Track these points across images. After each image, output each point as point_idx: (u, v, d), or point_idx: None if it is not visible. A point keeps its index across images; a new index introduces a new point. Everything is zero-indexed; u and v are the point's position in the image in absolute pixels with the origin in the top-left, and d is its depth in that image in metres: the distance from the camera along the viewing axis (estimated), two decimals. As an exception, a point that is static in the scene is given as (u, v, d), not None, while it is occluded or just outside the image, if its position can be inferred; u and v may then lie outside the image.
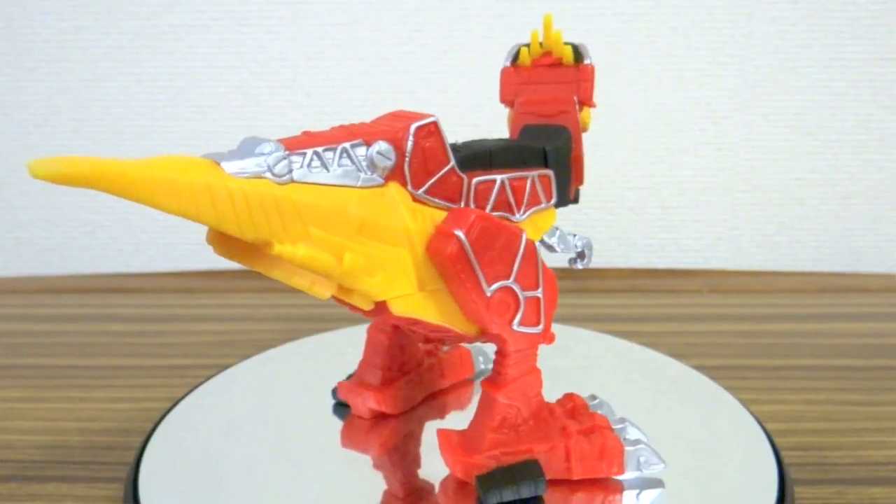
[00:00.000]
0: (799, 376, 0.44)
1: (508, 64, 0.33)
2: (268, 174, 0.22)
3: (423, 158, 0.25)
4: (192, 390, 0.38)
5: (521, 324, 0.27)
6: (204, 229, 0.23)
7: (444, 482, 0.30)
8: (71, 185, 0.18)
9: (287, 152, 0.22)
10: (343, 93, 0.67)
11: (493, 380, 0.29)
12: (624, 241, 0.69)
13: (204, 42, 0.67)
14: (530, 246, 0.27)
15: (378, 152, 0.24)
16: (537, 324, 0.28)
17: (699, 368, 0.40)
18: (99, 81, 0.68)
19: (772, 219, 0.69)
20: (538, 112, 0.33)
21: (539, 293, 0.28)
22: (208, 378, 0.40)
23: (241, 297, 0.61)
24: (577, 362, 0.41)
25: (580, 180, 0.34)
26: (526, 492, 0.28)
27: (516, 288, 0.27)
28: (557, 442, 0.29)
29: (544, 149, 0.30)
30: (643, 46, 0.66)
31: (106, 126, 0.68)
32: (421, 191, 0.25)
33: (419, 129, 0.25)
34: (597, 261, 0.69)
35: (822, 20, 0.65)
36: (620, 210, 0.69)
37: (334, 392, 0.36)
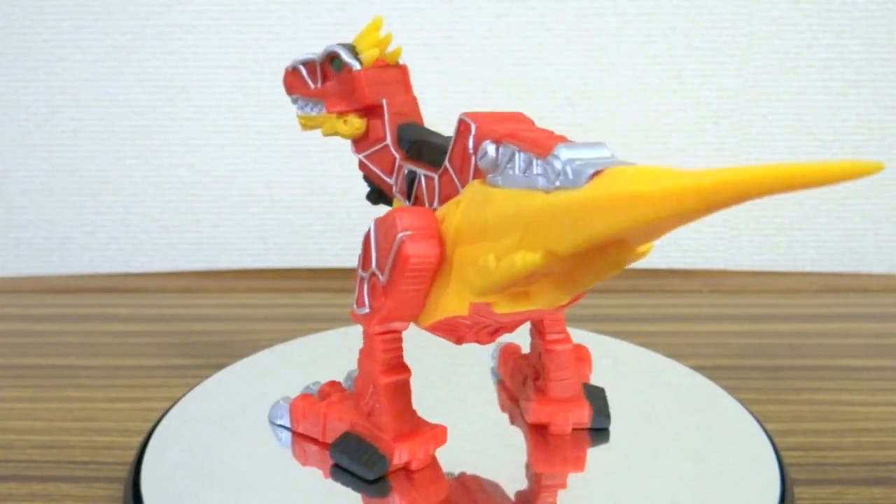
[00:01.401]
0: (799, 376, 0.44)
1: (358, 66, 0.33)
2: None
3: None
4: (191, 390, 0.38)
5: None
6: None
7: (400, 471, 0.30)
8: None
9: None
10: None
11: None
12: (624, 241, 0.69)
13: (204, 42, 0.67)
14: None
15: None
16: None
17: (699, 369, 0.40)
18: (99, 81, 0.68)
19: (772, 219, 0.69)
20: (401, 112, 0.34)
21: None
22: (208, 378, 0.40)
23: (240, 297, 0.61)
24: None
25: None
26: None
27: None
28: None
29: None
30: (643, 46, 0.66)
31: (106, 126, 0.68)
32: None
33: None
34: (597, 261, 0.69)
35: (822, 20, 0.65)
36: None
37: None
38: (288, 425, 0.34)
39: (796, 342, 0.49)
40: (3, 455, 0.36)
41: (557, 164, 0.21)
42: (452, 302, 0.26)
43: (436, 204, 0.29)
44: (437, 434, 0.30)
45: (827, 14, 0.65)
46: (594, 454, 0.32)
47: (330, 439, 0.31)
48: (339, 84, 0.34)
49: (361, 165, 0.35)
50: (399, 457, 0.29)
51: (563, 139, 0.23)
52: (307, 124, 0.36)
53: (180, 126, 0.68)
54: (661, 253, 0.69)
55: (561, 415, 0.33)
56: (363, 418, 0.31)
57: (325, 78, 0.34)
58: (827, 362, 0.46)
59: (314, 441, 0.33)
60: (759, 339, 0.50)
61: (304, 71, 0.35)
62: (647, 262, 0.69)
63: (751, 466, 0.31)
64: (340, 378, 0.35)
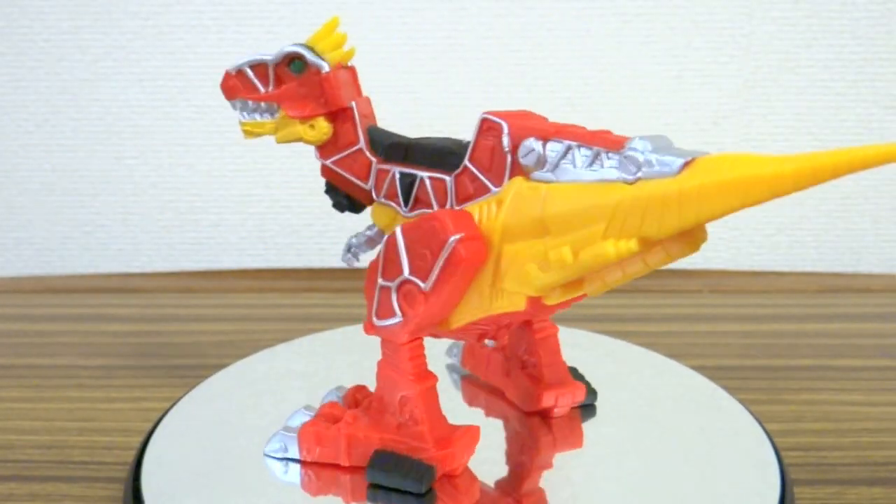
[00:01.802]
0: (799, 376, 0.44)
1: (327, 67, 0.32)
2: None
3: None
4: (191, 390, 0.38)
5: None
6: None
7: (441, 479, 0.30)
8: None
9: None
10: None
11: None
12: (624, 241, 0.69)
13: (204, 42, 0.67)
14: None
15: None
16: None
17: (699, 369, 0.40)
18: (99, 81, 0.68)
19: (772, 219, 0.69)
20: (365, 114, 0.34)
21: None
22: (208, 378, 0.40)
23: (240, 297, 0.61)
24: (576, 364, 0.41)
25: None
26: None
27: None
28: None
29: (461, 155, 0.29)
30: (643, 46, 0.66)
31: (106, 126, 0.68)
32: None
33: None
34: (597, 261, 0.69)
35: (822, 20, 0.65)
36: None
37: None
38: (296, 457, 0.31)
39: (796, 342, 0.49)
40: (3, 455, 0.36)
41: (639, 156, 0.22)
42: (505, 300, 0.26)
43: (450, 205, 0.29)
44: (473, 435, 0.30)
45: (827, 14, 0.65)
46: (594, 454, 0.32)
47: (357, 462, 0.30)
48: (300, 87, 0.32)
49: (327, 172, 0.34)
50: (446, 464, 0.29)
51: (608, 133, 0.24)
52: (254, 131, 0.34)
53: (180, 126, 0.68)
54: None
55: (563, 397, 0.34)
56: (392, 432, 0.29)
57: (279, 81, 0.33)
58: (827, 362, 0.46)
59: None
60: (759, 339, 0.50)
61: (251, 74, 0.33)
62: (647, 262, 0.69)
63: (751, 466, 0.31)
64: (341, 377, 0.35)
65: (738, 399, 0.36)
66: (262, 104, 0.33)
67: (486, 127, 0.27)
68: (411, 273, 0.27)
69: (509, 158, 0.26)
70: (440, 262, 0.26)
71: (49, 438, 0.37)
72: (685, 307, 0.58)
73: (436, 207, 0.29)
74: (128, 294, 0.64)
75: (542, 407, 0.34)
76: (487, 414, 0.35)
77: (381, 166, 0.32)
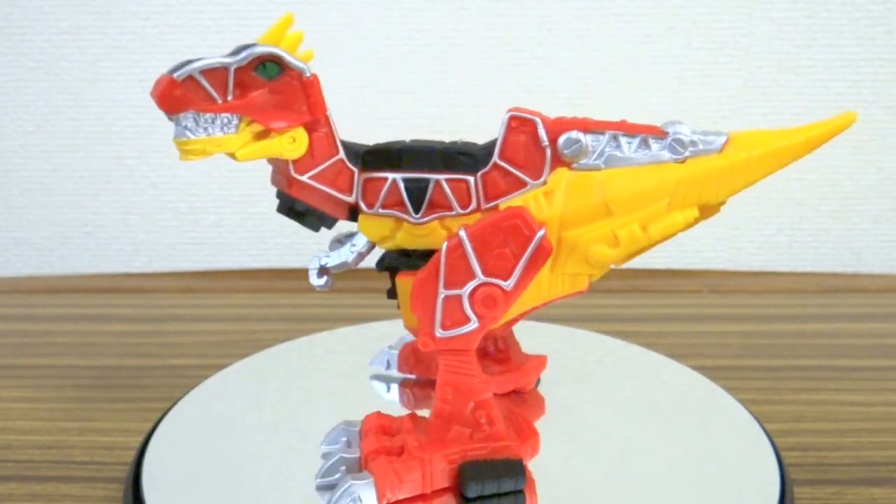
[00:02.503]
0: (799, 376, 0.44)
1: (309, 71, 0.29)
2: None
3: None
4: (191, 390, 0.38)
5: None
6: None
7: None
8: None
9: None
10: (343, 92, 0.67)
11: None
12: (624, 241, 0.69)
13: (204, 42, 0.67)
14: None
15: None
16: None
17: (699, 369, 0.40)
18: (99, 81, 0.68)
19: (772, 219, 0.69)
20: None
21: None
22: (207, 378, 0.40)
23: (239, 297, 0.61)
24: (577, 364, 0.41)
25: None
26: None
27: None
28: None
29: (473, 154, 0.29)
30: (643, 46, 0.66)
31: (106, 126, 0.68)
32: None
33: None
34: (597, 261, 0.69)
35: (822, 20, 0.65)
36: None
37: None
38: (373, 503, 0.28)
39: (796, 342, 0.49)
40: (3, 455, 0.36)
41: (685, 139, 0.27)
42: (567, 284, 0.29)
43: (476, 203, 0.29)
44: (533, 424, 0.31)
45: (827, 14, 0.65)
46: (594, 454, 0.32)
47: (439, 485, 0.28)
48: (272, 94, 0.28)
49: (298, 189, 0.30)
50: (531, 454, 0.29)
51: (635, 123, 0.28)
52: (206, 149, 0.28)
53: (180, 126, 0.68)
54: (661, 253, 0.69)
55: (533, 373, 0.36)
56: (468, 442, 0.29)
57: (242, 88, 0.28)
58: (827, 362, 0.46)
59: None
60: (759, 339, 0.50)
61: (204, 81, 0.27)
62: (647, 262, 0.69)
63: (751, 466, 0.31)
64: (340, 377, 0.35)
65: (738, 399, 0.36)
66: (220, 117, 0.28)
67: (515, 123, 0.28)
68: (487, 275, 0.27)
69: (549, 152, 0.28)
70: (525, 259, 0.27)
71: (49, 438, 0.37)
72: (685, 307, 0.58)
73: (457, 209, 0.29)
74: (128, 294, 0.64)
75: (520, 385, 0.36)
76: None
77: (371, 175, 0.30)
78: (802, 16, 0.65)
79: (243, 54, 0.27)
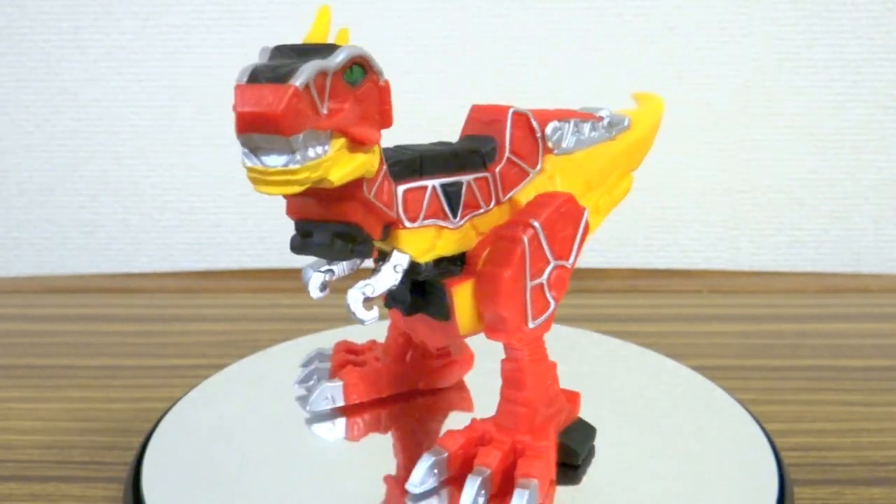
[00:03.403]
0: (799, 377, 0.44)
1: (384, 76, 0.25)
2: None
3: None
4: (191, 390, 0.38)
5: None
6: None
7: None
8: None
9: None
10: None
11: None
12: (624, 241, 0.69)
13: (204, 42, 0.67)
14: None
15: None
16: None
17: (699, 369, 0.40)
18: (99, 81, 0.68)
19: (772, 219, 0.69)
20: None
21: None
22: (207, 378, 0.40)
23: (239, 298, 0.61)
24: (577, 363, 0.41)
25: None
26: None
27: None
28: None
29: (481, 151, 0.29)
30: (643, 46, 0.66)
31: (106, 126, 0.68)
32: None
33: None
34: (597, 261, 0.69)
35: (822, 20, 0.65)
36: (620, 210, 0.69)
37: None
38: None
39: (796, 342, 0.49)
40: (3, 455, 0.36)
41: (615, 119, 0.34)
42: None
43: (497, 197, 0.30)
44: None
45: (827, 14, 0.65)
46: (594, 454, 0.32)
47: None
48: (357, 103, 0.24)
49: (354, 212, 0.25)
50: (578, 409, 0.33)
51: (573, 110, 0.33)
52: (312, 177, 0.23)
53: (180, 126, 0.68)
54: (661, 253, 0.69)
55: (472, 360, 0.38)
56: (554, 417, 0.30)
57: (336, 98, 0.23)
58: (827, 362, 0.46)
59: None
60: (759, 339, 0.50)
61: (315, 90, 0.22)
62: (647, 262, 0.69)
63: (750, 466, 0.31)
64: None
65: (738, 399, 0.36)
66: (321, 134, 0.23)
67: (516, 119, 0.30)
68: (556, 258, 0.29)
69: (540, 142, 0.30)
70: (579, 236, 0.30)
71: (49, 438, 0.37)
72: (685, 307, 0.58)
73: (484, 207, 0.29)
74: (128, 294, 0.64)
75: (464, 374, 0.38)
76: (427, 419, 0.35)
77: (410, 185, 0.27)
78: (802, 16, 0.65)
79: (341, 56, 0.23)
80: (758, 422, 0.34)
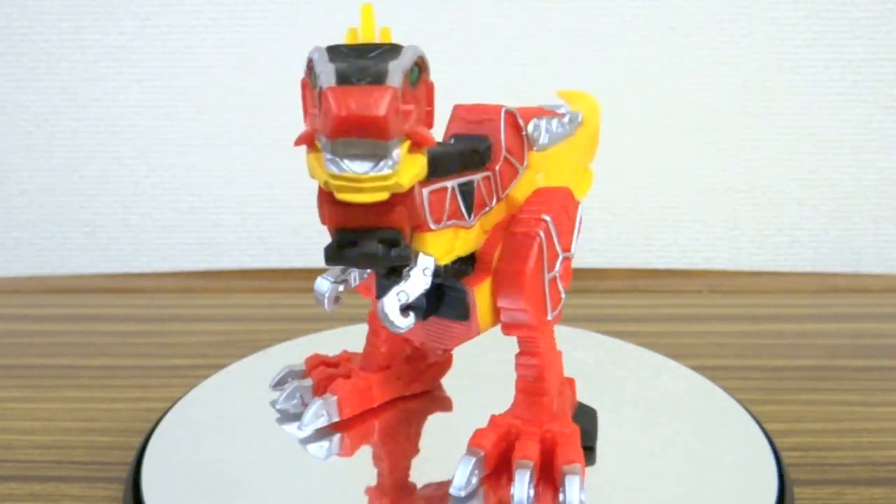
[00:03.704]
0: (799, 376, 0.44)
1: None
2: None
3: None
4: (191, 390, 0.38)
5: None
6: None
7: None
8: None
9: None
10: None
11: None
12: (624, 241, 0.69)
13: (204, 42, 0.67)
14: None
15: None
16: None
17: (698, 369, 0.40)
18: (99, 81, 0.68)
19: (772, 219, 0.69)
20: None
21: None
22: (208, 378, 0.40)
23: (239, 298, 0.61)
24: (576, 364, 0.41)
25: None
26: None
27: None
28: None
29: (479, 150, 0.29)
30: (643, 46, 0.66)
31: (106, 126, 0.68)
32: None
33: None
34: (597, 261, 0.69)
35: (822, 20, 0.65)
36: (620, 210, 0.69)
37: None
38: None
39: (796, 342, 0.49)
40: (3, 455, 0.36)
41: (573, 117, 0.35)
42: None
43: (498, 194, 0.30)
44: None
45: (827, 14, 0.65)
46: (594, 454, 0.32)
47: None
48: (417, 105, 0.23)
49: (401, 217, 0.24)
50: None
51: (539, 108, 0.33)
52: (399, 181, 0.22)
53: (180, 126, 0.68)
54: (662, 253, 0.69)
55: (452, 358, 0.39)
56: (566, 402, 0.32)
57: (404, 99, 0.22)
58: (827, 362, 0.46)
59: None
60: (759, 339, 0.50)
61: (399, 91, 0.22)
62: (647, 262, 0.69)
63: (750, 467, 0.31)
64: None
65: (738, 399, 0.36)
66: (398, 137, 0.22)
67: (508, 118, 0.30)
68: (563, 249, 0.30)
69: (525, 139, 0.31)
70: (577, 228, 0.31)
71: (49, 438, 0.37)
72: (685, 307, 0.58)
73: (489, 205, 0.29)
74: (128, 294, 0.64)
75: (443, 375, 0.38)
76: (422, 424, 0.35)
77: (432, 187, 0.26)
78: (802, 16, 0.65)
79: (409, 56, 0.22)
80: (758, 422, 0.34)
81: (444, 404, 0.37)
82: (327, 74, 0.21)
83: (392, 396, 0.36)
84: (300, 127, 0.24)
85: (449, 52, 0.66)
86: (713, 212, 0.68)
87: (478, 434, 0.29)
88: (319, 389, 0.35)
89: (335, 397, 0.33)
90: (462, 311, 0.29)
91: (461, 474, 0.28)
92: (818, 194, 0.68)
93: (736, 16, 0.65)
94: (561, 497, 0.27)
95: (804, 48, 0.65)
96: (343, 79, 0.21)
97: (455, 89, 0.66)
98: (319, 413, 0.33)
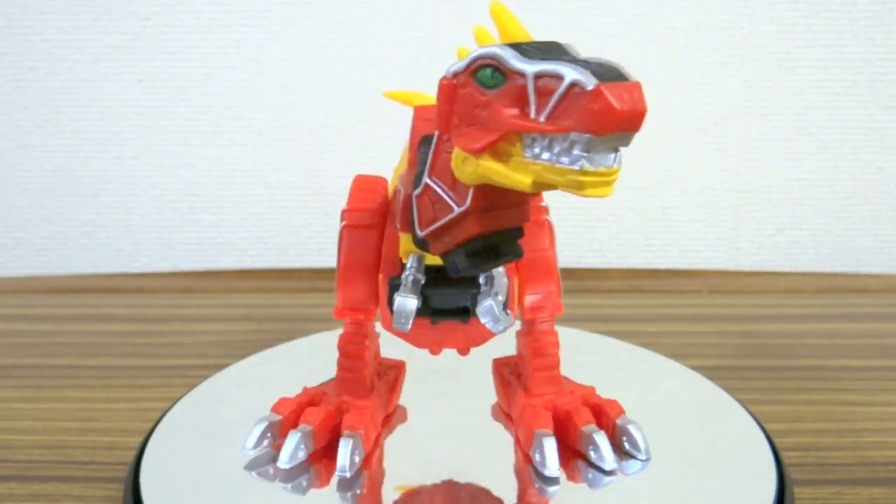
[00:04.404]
0: (799, 377, 0.44)
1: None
2: None
3: None
4: (190, 390, 0.38)
5: None
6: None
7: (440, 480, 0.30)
8: None
9: None
10: (343, 93, 0.67)
11: None
12: (624, 241, 0.69)
13: (204, 42, 0.67)
14: None
15: None
16: None
17: (699, 369, 0.40)
18: (99, 81, 0.68)
19: (772, 219, 0.69)
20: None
21: None
22: (208, 378, 0.40)
23: (239, 297, 0.61)
24: (576, 364, 0.41)
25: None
26: None
27: None
28: None
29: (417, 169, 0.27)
30: (643, 46, 0.66)
31: (106, 126, 0.68)
32: None
33: None
34: (597, 261, 0.69)
35: (822, 20, 0.65)
36: (620, 210, 0.69)
37: None
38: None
39: (796, 342, 0.49)
40: (3, 455, 0.36)
41: None
42: None
43: None
44: None
45: (827, 14, 0.65)
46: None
47: None
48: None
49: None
50: None
51: None
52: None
53: (180, 126, 0.68)
54: (662, 253, 0.69)
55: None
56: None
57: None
58: (827, 362, 0.46)
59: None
60: (759, 339, 0.50)
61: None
62: (647, 262, 0.69)
63: (750, 466, 0.31)
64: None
65: (738, 399, 0.36)
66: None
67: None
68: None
69: None
70: None
71: (49, 438, 0.37)
72: (685, 307, 0.58)
73: None
74: (128, 294, 0.64)
75: None
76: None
77: None
78: (802, 16, 0.65)
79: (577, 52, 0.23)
80: (758, 422, 0.34)
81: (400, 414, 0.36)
82: (582, 72, 0.21)
83: (386, 413, 0.35)
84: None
85: (449, 53, 0.66)
86: (713, 212, 0.68)
87: (534, 417, 0.31)
88: (324, 432, 0.31)
89: (360, 432, 0.30)
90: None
91: (550, 457, 0.29)
92: (818, 194, 0.68)
93: (736, 16, 0.65)
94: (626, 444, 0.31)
95: (804, 48, 0.65)
96: (598, 76, 0.21)
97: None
98: (351, 451, 0.30)
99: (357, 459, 0.30)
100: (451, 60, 0.25)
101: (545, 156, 0.21)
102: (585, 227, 0.69)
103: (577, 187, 0.21)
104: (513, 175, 0.22)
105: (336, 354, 0.39)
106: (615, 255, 0.69)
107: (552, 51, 0.22)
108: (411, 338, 0.32)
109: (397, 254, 0.30)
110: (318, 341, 0.45)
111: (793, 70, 0.66)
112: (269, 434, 0.31)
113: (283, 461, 0.30)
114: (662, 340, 0.48)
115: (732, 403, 0.36)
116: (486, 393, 0.37)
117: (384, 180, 0.33)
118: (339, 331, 0.33)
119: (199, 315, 0.57)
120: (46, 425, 0.39)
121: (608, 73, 0.21)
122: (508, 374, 0.35)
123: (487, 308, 0.26)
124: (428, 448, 0.33)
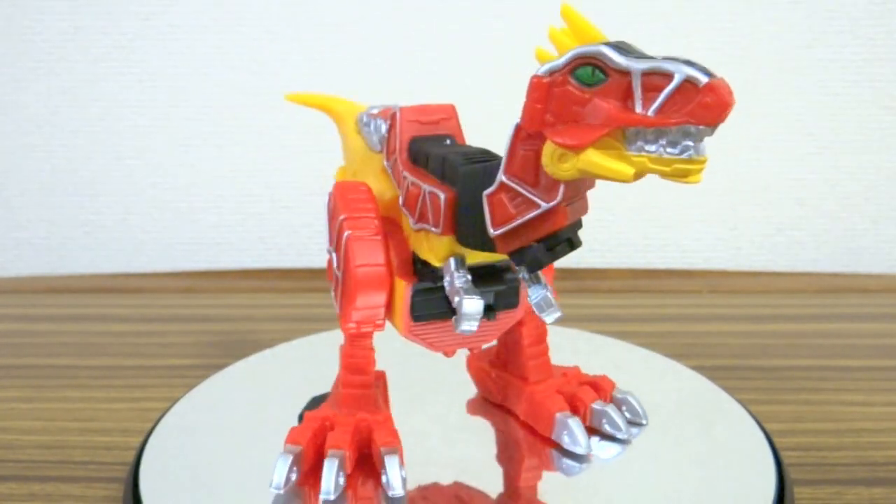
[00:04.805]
0: (799, 377, 0.44)
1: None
2: None
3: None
4: (190, 390, 0.38)
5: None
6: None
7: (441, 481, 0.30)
8: None
9: None
10: (343, 93, 0.67)
11: None
12: (624, 241, 0.69)
13: (204, 42, 0.67)
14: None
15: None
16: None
17: (699, 369, 0.40)
18: (99, 81, 0.68)
19: (772, 219, 0.69)
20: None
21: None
22: (208, 378, 0.40)
23: (240, 297, 0.61)
24: (577, 364, 0.41)
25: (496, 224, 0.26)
26: None
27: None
28: None
29: (459, 169, 0.27)
30: (643, 47, 0.65)
31: (106, 126, 0.68)
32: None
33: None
34: (597, 261, 0.69)
35: (822, 20, 0.65)
36: (620, 210, 0.69)
37: None
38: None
39: (796, 342, 0.49)
40: (3, 455, 0.36)
41: None
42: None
43: None
44: None
45: (827, 14, 0.65)
46: (594, 454, 0.32)
47: None
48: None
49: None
50: None
51: None
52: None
53: (180, 126, 0.68)
54: (661, 253, 0.69)
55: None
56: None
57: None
58: (826, 362, 0.46)
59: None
60: (759, 339, 0.50)
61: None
62: (647, 262, 0.69)
63: (750, 466, 0.31)
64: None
65: (738, 399, 0.36)
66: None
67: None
68: None
69: None
70: None
71: (49, 438, 0.37)
72: (685, 307, 0.58)
73: None
74: (128, 294, 0.64)
75: None
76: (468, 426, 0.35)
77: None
78: (802, 16, 0.65)
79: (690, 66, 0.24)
80: (758, 422, 0.34)
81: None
82: (681, 70, 0.23)
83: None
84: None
85: (449, 53, 0.66)
86: (713, 212, 0.68)
87: (556, 402, 0.33)
88: (357, 457, 0.31)
89: (397, 448, 0.30)
90: (514, 300, 0.30)
91: (579, 438, 0.31)
92: (818, 194, 0.68)
93: (736, 16, 0.65)
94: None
95: (804, 48, 0.65)
96: (708, 73, 0.23)
97: (454, 89, 0.66)
98: (397, 472, 0.29)
99: (404, 475, 0.29)
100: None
101: (650, 148, 0.23)
102: (585, 227, 0.68)
103: (683, 175, 0.23)
104: (616, 167, 0.23)
105: (336, 354, 0.39)
106: (615, 255, 0.69)
107: (634, 49, 0.24)
108: (433, 341, 0.31)
109: (409, 258, 0.30)
110: (318, 341, 0.45)
111: (793, 70, 0.66)
112: (294, 468, 0.29)
113: (327, 492, 0.28)
114: (662, 340, 0.48)
115: (732, 403, 0.36)
116: (459, 391, 0.37)
117: (366, 184, 0.33)
118: (339, 331, 0.33)
119: (199, 315, 0.57)
120: (46, 425, 0.39)
121: (706, 70, 0.23)
122: (488, 366, 0.36)
123: (545, 299, 0.26)
124: (427, 449, 0.33)
